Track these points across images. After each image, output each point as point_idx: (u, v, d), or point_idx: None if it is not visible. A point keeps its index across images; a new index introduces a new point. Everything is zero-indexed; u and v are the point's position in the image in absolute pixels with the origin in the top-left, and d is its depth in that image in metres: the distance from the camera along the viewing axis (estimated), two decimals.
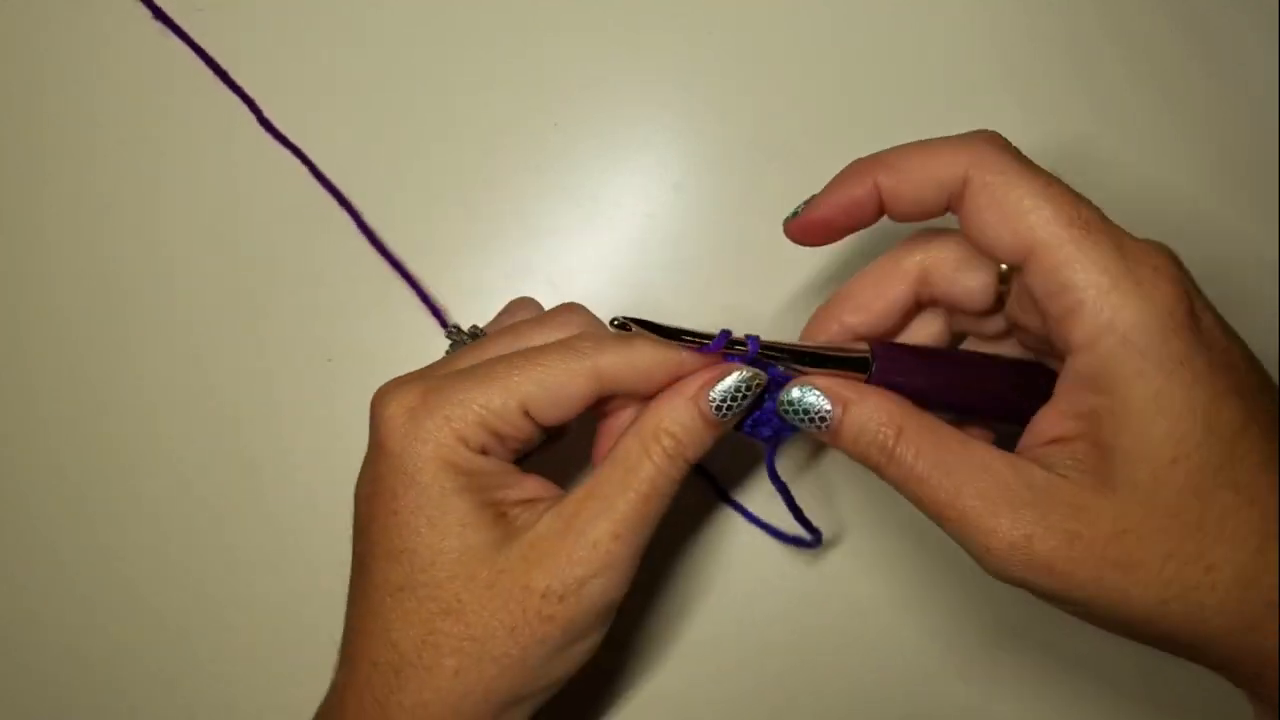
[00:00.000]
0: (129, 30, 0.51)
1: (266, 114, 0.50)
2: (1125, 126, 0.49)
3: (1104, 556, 0.29)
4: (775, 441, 0.37)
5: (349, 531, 0.36)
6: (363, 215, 0.49)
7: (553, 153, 0.50)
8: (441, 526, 0.33)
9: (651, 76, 0.50)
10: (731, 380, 0.34)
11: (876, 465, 0.33)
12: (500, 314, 0.41)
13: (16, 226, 0.50)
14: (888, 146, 0.34)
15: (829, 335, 0.37)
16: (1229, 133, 0.49)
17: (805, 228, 0.35)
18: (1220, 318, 0.31)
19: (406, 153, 0.50)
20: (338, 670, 0.36)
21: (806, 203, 0.35)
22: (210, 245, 0.50)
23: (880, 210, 0.34)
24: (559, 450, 0.39)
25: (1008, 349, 0.38)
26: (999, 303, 0.35)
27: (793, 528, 0.42)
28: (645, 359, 0.34)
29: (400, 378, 0.36)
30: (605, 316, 0.36)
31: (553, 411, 0.34)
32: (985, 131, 0.33)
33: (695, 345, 0.34)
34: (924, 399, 0.34)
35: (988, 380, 0.36)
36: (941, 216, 0.34)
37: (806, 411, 0.34)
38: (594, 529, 0.33)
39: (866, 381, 0.34)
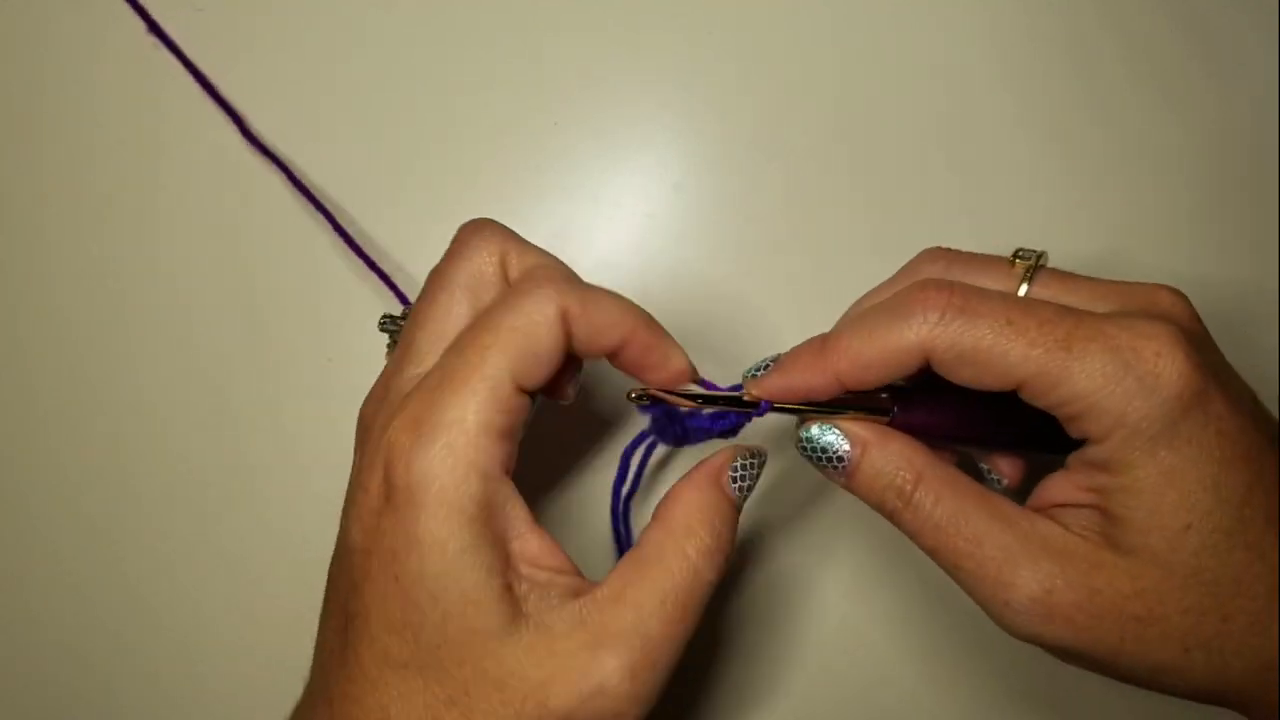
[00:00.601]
0: (126, 31, 0.51)
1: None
2: (1125, 126, 0.49)
3: (1124, 611, 0.30)
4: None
5: None
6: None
7: (553, 152, 0.50)
8: (445, 604, 0.29)
9: (651, 76, 0.50)
10: (740, 462, 0.34)
11: (892, 511, 0.33)
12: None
13: (16, 227, 0.50)
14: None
15: (822, 383, 0.34)
16: (1229, 133, 0.49)
17: (764, 393, 0.34)
18: (1226, 367, 0.32)
19: (406, 153, 0.50)
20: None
21: (768, 367, 0.34)
22: (210, 245, 0.50)
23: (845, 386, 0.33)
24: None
25: None
26: None
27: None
28: (602, 310, 0.32)
29: (381, 396, 0.33)
30: None
31: (539, 373, 0.31)
32: (921, 285, 0.31)
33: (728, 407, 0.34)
34: (947, 437, 0.34)
35: (1012, 412, 0.35)
36: None
37: (824, 451, 0.33)
38: (629, 651, 0.30)
39: (888, 424, 0.34)
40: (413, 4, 0.51)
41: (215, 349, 0.49)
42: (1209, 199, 0.49)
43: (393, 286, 0.47)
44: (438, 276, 0.35)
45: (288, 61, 0.51)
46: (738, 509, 0.33)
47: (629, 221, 0.50)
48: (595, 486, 0.48)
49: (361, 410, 0.35)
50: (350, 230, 0.49)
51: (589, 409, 0.48)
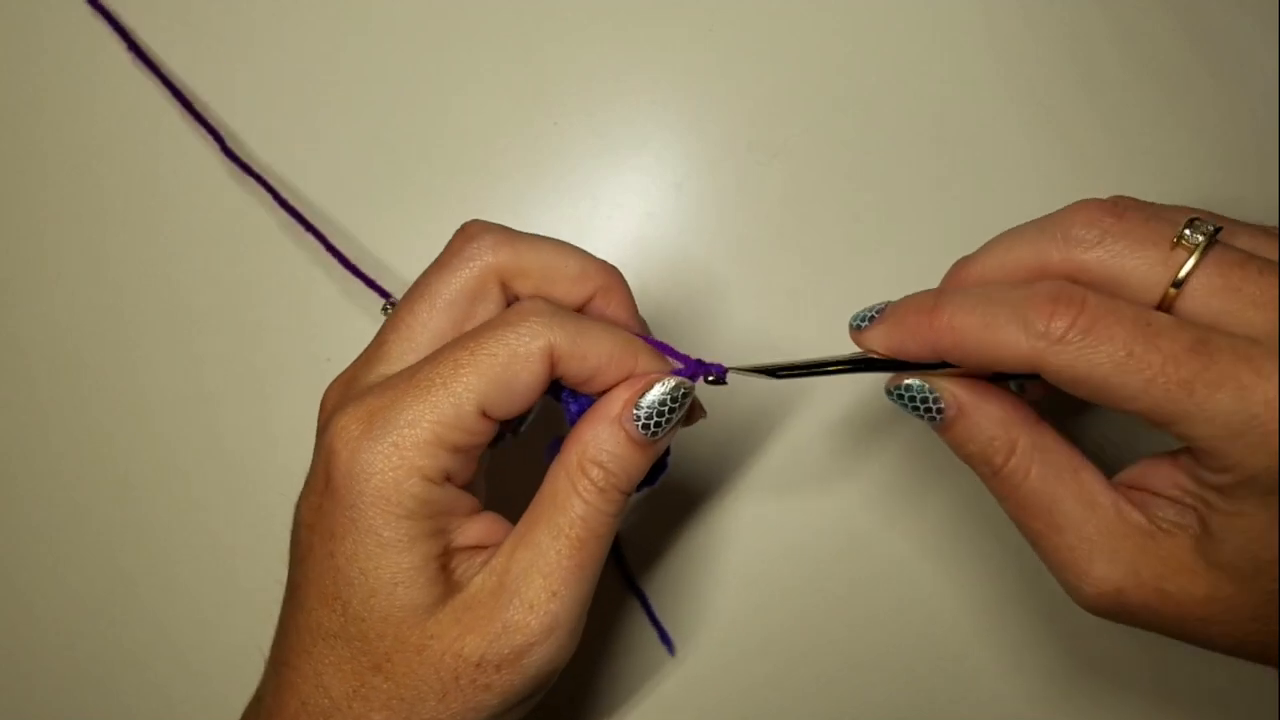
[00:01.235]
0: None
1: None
2: (1126, 127, 0.49)
3: (1191, 614, 0.30)
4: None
5: None
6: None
7: (552, 152, 0.50)
8: (373, 581, 0.31)
9: (651, 76, 0.50)
10: (656, 393, 0.32)
11: (981, 475, 0.33)
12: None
13: (15, 230, 0.50)
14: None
15: (921, 351, 0.33)
16: (1229, 133, 0.49)
17: (867, 346, 0.34)
18: None
19: (406, 153, 0.50)
20: (264, 686, 0.35)
21: (873, 318, 0.34)
22: (209, 245, 0.50)
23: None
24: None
25: None
26: None
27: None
28: (597, 350, 0.32)
29: (346, 386, 0.34)
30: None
31: (511, 405, 0.32)
32: (1053, 291, 0.30)
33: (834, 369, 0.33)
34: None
35: None
36: None
37: (919, 404, 0.33)
38: (528, 587, 0.31)
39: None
40: (413, 3, 0.51)
41: (214, 349, 0.49)
42: (1210, 199, 0.49)
43: (385, 295, 0.47)
44: (422, 285, 0.35)
45: (288, 61, 0.51)
46: (645, 441, 0.32)
47: (629, 221, 0.50)
48: None
49: (325, 394, 0.35)
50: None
51: None
